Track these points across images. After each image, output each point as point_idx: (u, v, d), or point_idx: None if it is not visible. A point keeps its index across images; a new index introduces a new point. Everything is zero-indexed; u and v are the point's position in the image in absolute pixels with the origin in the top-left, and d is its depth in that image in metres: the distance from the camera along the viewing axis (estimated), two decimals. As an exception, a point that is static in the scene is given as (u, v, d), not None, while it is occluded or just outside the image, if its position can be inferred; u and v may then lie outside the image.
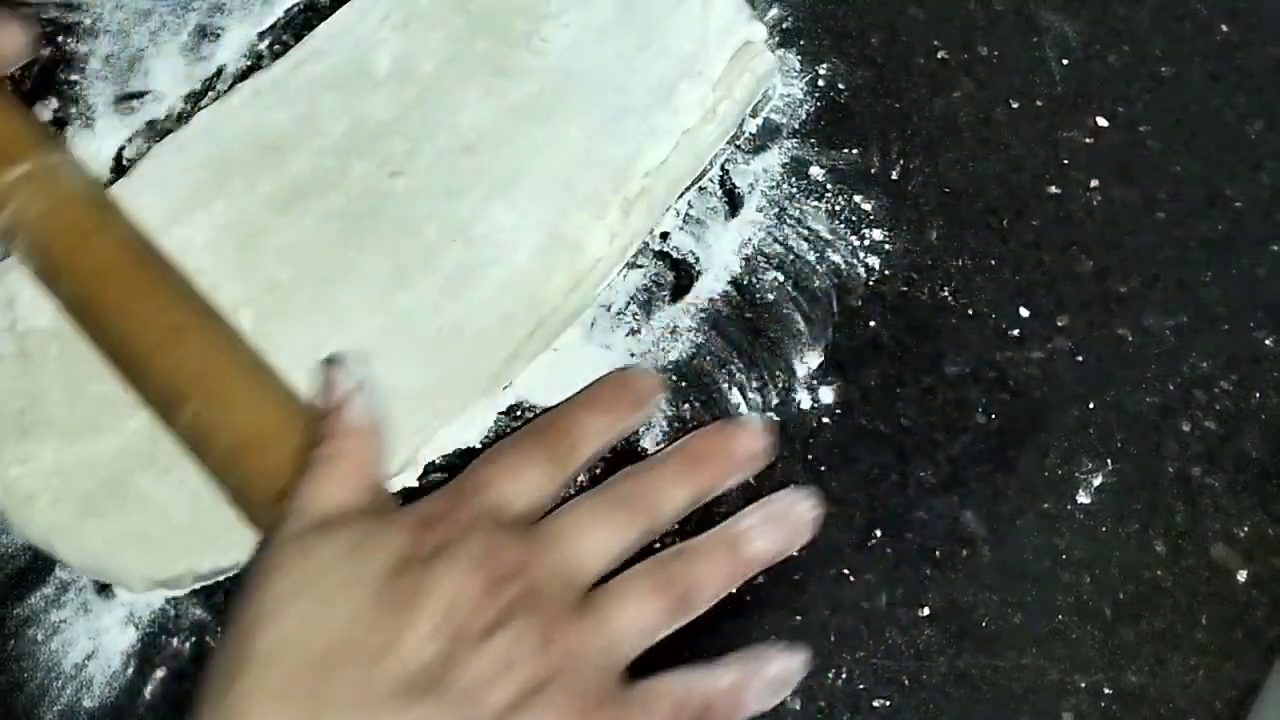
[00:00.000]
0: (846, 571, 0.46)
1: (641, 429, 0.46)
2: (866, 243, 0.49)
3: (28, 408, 0.44)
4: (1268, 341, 0.49)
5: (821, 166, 0.50)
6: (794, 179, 0.50)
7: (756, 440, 0.42)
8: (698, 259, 0.49)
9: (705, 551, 0.40)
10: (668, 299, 0.48)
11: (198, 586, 0.45)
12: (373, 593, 0.35)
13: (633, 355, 0.47)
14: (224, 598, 0.45)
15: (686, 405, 0.47)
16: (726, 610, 0.45)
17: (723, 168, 0.50)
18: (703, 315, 0.48)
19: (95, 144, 0.49)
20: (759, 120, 0.50)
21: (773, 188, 0.50)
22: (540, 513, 0.39)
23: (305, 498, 0.38)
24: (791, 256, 0.49)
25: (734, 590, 0.41)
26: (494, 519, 0.37)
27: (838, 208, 0.49)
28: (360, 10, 0.48)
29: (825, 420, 0.47)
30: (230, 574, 0.44)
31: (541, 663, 0.35)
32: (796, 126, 0.50)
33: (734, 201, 0.49)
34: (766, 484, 0.46)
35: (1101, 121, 0.51)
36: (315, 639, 0.34)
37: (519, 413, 0.46)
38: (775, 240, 0.49)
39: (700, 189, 0.49)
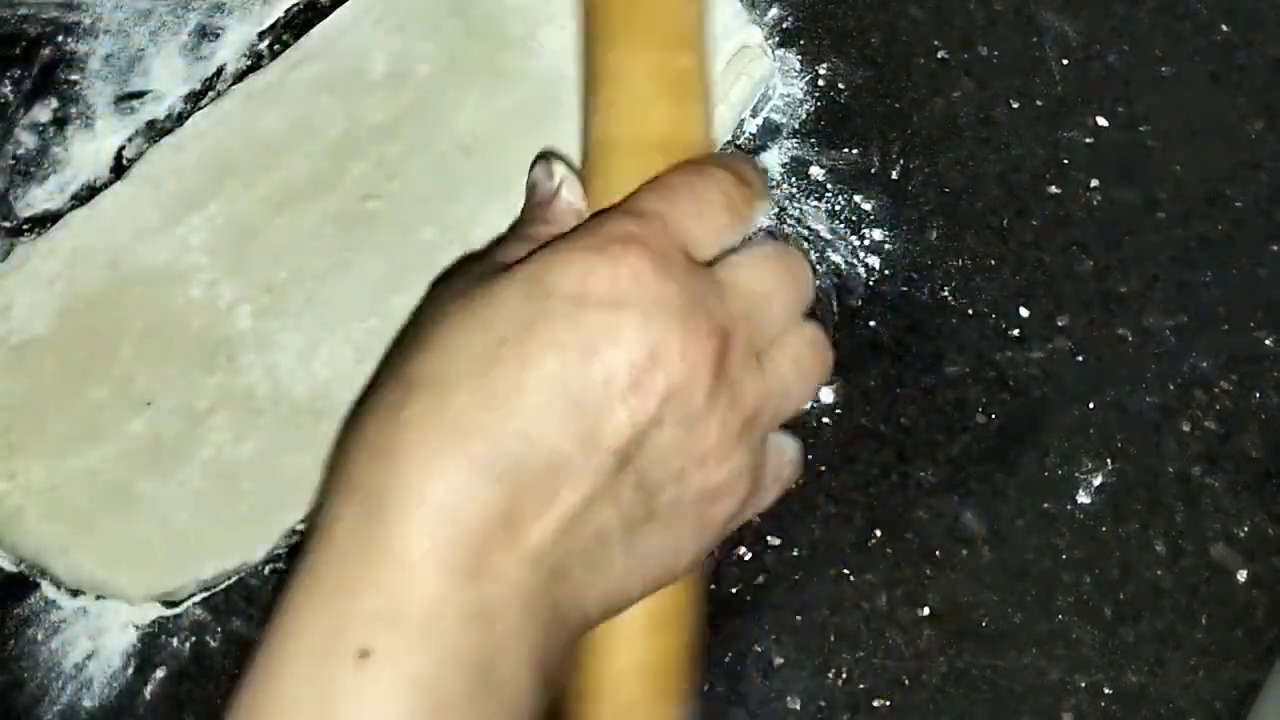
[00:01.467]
0: (847, 571, 0.46)
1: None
2: (866, 242, 0.49)
3: (15, 422, 0.44)
4: (1268, 341, 0.49)
5: (821, 166, 0.50)
6: (794, 179, 0.50)
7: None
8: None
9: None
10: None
11: (198, 597, 0.45)
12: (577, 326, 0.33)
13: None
14: (224, 598, 0.45)
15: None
16: (727, 610, 0.45)
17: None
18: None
19: (95, 144, 0.48)
20: (759, 120, 0.50)
21: (772, 187, 0.50)
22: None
23: (545, 262, 0.35)
24: (791, 256, 0.49)
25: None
26: (688, 263, 0.34)
27: (838, 207, 0.49)
28: (357, 13, 0.48)
29: (825, 420, 0.47)
30: (232, 579, 0.44)
31: (731, 439, 0.34)
32: (796, 126, 0.50)
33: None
34: (766, 484, 0.46)
35: (1101, 121, 0.51)
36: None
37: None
38: (775, 240, 0.49)
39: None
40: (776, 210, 0.49)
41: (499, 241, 0.38)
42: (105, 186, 0.46)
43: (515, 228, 0.39)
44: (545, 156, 0.39)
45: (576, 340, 0.32)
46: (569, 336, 0.32)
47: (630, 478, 0.33)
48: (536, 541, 0.31)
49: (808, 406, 0.38)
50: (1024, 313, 0.49)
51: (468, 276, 0.35)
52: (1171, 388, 0.48)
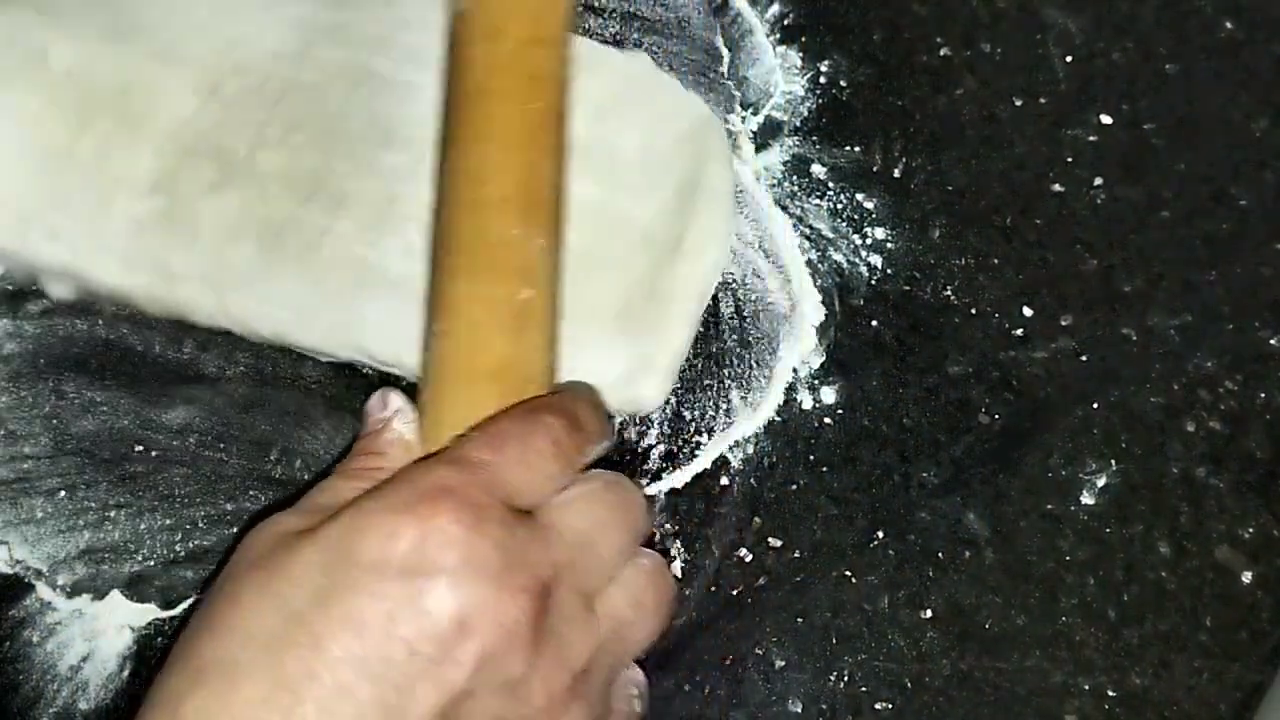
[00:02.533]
0: (848, 573, 0.46)
1: (640, 430, 0.46)
2: (869, 241, 0.49)
3: None
4: (1273, 341, 0.48)
5: (823, 164, 0.50)
6: (795, 177, 0.50)
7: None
8: (698, 258, 0.49)
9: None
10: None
11: (195, 599, 0.44)
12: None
13: (633, 355, 0.47)
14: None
15: (683, 402, 0.47)
16: (727, 612, 0.45)
17: (724, 166, 0.49)
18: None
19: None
20: (760, 118, 0.50)
21: (774, 185, 0.49)
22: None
23: (362, 506, 0.35)
24: (793, 255, 0.49)
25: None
26: (506, 513, 0.33)
27: (839, 206, 0.49)
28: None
29: (827, 420, 0.47)
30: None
31: (560, 702, 0.33)
32: (798, 124, 0.50)
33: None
34: (768, 484, 0.46)
35: (1105, 119, 0.51)
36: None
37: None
38: (777, 239, 0.49)
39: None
40: (781, 208, 0.49)
41: (324, 478, 0.37)
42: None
43: (343, 463, 0.38)
44: (383, 388, 0.39)
45: (377, 614, 0.30)
46: (369, 610, 0.30)
47: None
48: None
49: (652, 640, 0.36)
50: (1027, 312, 0.48)
51: (273, 534, 0.33)
52: (1176, 388, 0.48)
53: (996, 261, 0.49)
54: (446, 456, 0.34)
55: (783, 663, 0.45)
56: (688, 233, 0.45)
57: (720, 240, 0.46)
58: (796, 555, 0.46)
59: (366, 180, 0.45)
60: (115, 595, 0.45)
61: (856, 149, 0.50)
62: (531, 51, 0.41)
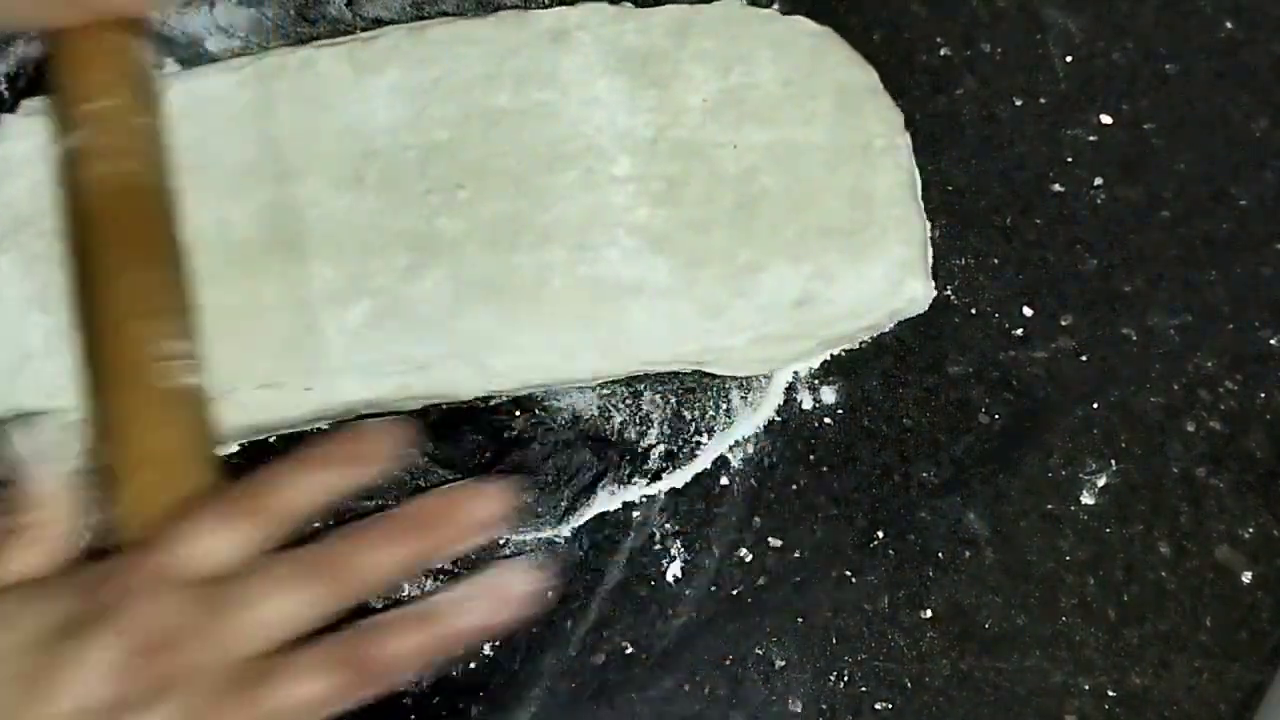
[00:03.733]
0: (848, 573, 0.46)
1: (640, 430, 0.46)
2: (869, 241, 0.49)
3: None
4: (1273, 341, 0.48)
5: (823, 164, 0.50)
6: (795, 177, 0.49)
7: (492, 505, 0.38)
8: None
9: (396, 625, 0.36)
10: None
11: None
12: (15, 668, 0.33)
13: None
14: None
15: (684, 402, 0.47)
16: (728, 612, 0.45)
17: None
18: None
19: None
20: (760, 118, 0.50)
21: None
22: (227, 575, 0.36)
23: None
24: (793, 255, 0.49)
25: (431, 667, 0.38)
26: (173, 580, 0.34)
27: (840, 206, 0.49)
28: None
29: (827, 420, 0.47)
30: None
31: None
32: (798, 124, 0.50)
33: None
34: (768, 484, 0.46)
35: (1105, 119, 0.51)
36: None
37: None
38: (777, 239, 0.49)
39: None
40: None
41: None
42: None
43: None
44: (10, 425, 0.38)
45: None
46: None
47: None
48: None
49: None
50: (1027, 312, 0.48)
51: None
52: (1176, 388, 0.48)
53: (996, 261, 0.49)
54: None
55: (783, 663, 0.44)
56: (867, 135, 0.47)
57: (898, 127, 0.47)
58: (796, 555, 0.46)
59: (554, 207, 0.45)
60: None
61: (856, 149, 0.50)
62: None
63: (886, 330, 0.47)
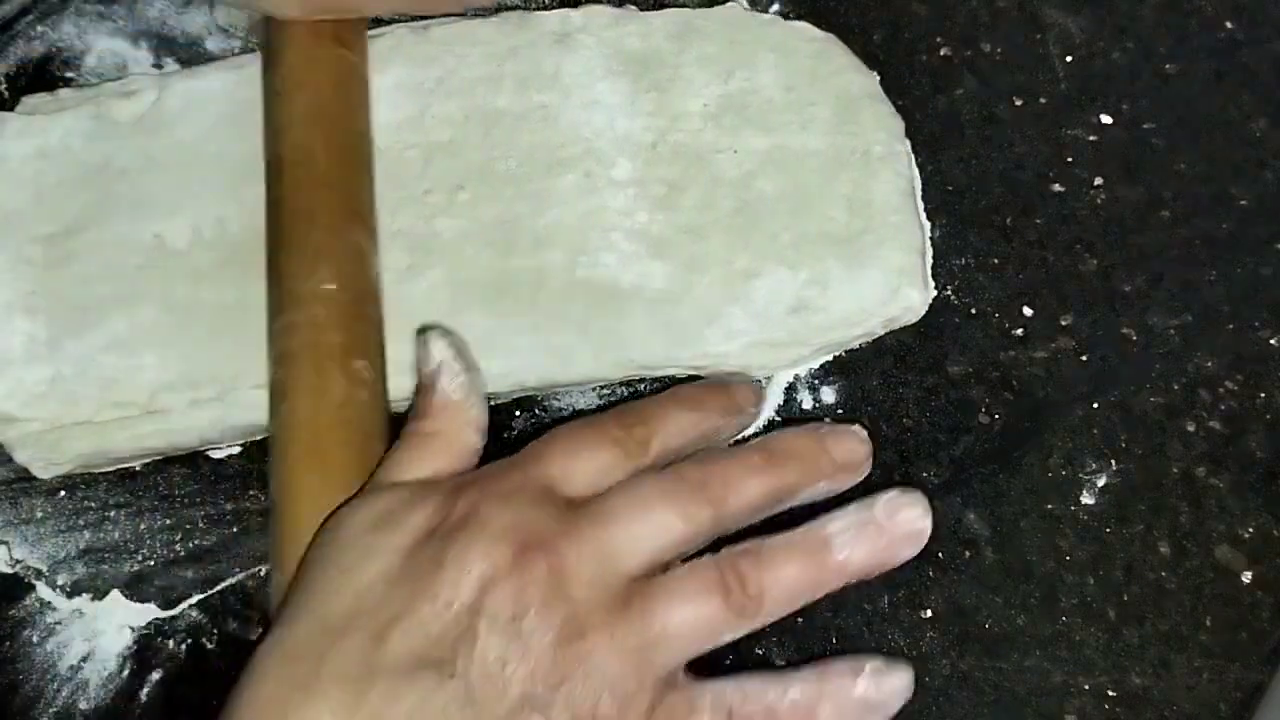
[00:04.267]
0: (848, 573, 0.45)
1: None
2: (869, 241, 0.49)
3: None
4: (1273, 341, 0.48)
5: (823, 164, 0.50)
6: (795, 177, 0.49)
7: (855, 448, 0.38)
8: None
9: (784, 551, 0.35)
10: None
11: (195, 599, 0.44)
12: (393, 562, 0.33)
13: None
14: (220, 600, 0.45)
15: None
16: (727, 612, 0.45)
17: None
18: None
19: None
20: (760, 117, 0.50)
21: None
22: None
23: (387, 471, 0.37)
24: (793, 255, 0.49)
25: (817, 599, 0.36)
26: (540, 494, 0.35)
27: (840, 206, 0.49)
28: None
29: (827, 420, 0.47)
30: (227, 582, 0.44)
31: (565, 656, 0.32)
32: (798, 124, 0.50)
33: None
34: (768, 484, 0.46)
35: (1105, 119, 0.51)
36: (328, 606, 0.33)
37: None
38: (777, 239, 0.49)
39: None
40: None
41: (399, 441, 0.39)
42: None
43: (405, 427, 0.39)
44: (424, 336, 0.40)
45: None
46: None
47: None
48: None
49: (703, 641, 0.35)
50: (1027, 312, 0.48)
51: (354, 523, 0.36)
52: (1176, 388, 0.48)
53: (996, 261, 0.49)
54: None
55: (783, 663, 0.44)
56: (867, 141, 0.47)
57: (898, 133, 0.48)
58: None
59: (551, 210, 0.45)
60: (115, 595, 0.45)
61: (856, 149, 0.50)
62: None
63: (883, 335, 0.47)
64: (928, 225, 0.48)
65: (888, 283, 0.45)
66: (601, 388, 0.47)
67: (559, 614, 0.33)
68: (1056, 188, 0.50)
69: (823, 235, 0.46)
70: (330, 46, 0.44)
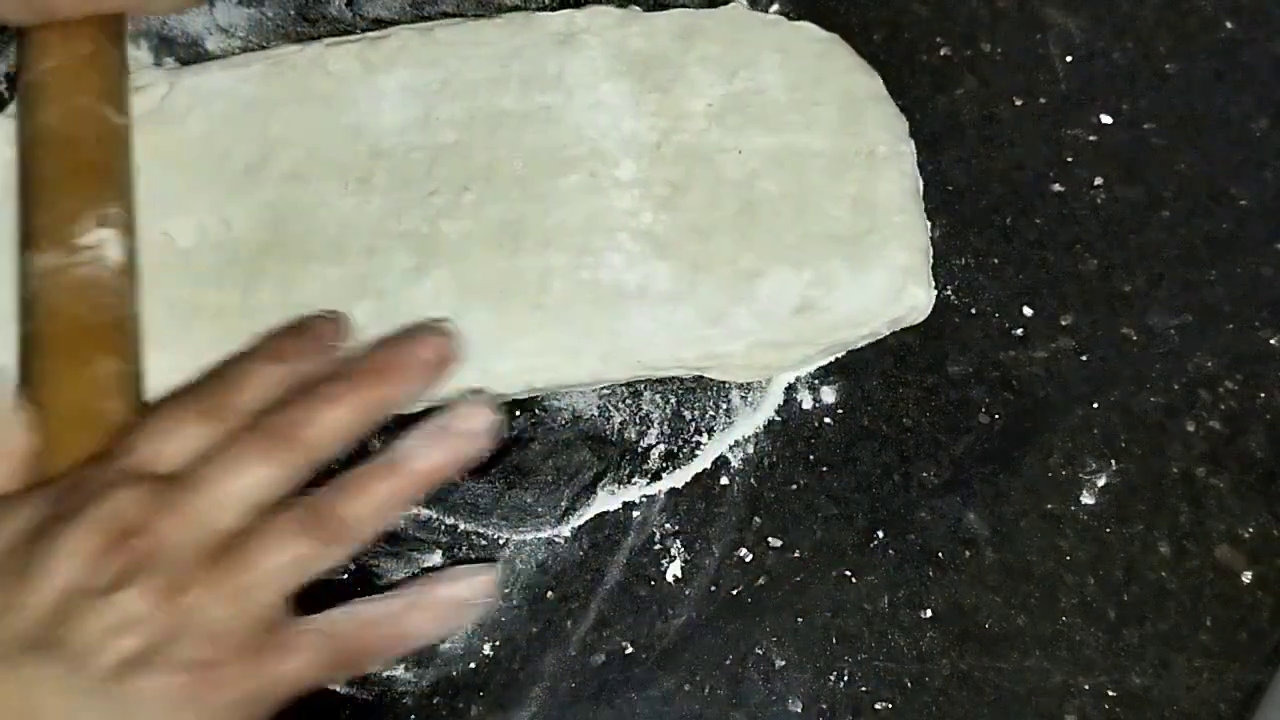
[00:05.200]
0: (848, 573, 0.45)
1: (640, 430, 0.46)
2: (869, 241, 0.49)
3: None
4: (1273, 341, 0.48)
5: (823, 164, 0.50)
6: (796, 177, 0.49)
7: (435, 347, 0.39)
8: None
9: (361, 477, 0.37)
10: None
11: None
12: None
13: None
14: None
15: (684, 401, 0.47)
16: (727, 612, 0.45)
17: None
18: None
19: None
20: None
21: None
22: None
23: None
24: (793, 255, 0.49)
25: (402, 514, 0.38)
26: (134, 479, 0.36)
27: (840, 206, 0.49)
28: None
29: (827, 420, 0.47)
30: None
31: (165, 617, 0.34)
32: (798, 124, 0.50)
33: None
34: (768, 484, 0.46)
35: (1105, 119, 0.51)
36: None
37: (518, 413, 0.46)
38: (777, 239, 0.49)
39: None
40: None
41: None
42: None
43: None
44: None
45: None
46: None
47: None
48: None
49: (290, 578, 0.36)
50: (1027, 312, 0.48)
51: None
52: (1176, 387, 0.48)
53: (996, 261, 0.49)
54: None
55: (783, 662, 0.44)
56: (871, 141, 0.47)
57: (902, 134, 0.47)
58: (796, 555, 0.46)
59: (556, 211, 0.45)
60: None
61: (856, 149, 0.50)
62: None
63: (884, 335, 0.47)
64: (928, 225, 0.48)
65: (893, 283, 0.45)
66: (602, 387, 0.47)
67: (155, 581, 0.34)
68: (1056, 188, 0.50)
69: (827, 235, 0.45)
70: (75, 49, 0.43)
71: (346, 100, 0.46)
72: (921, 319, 0.46)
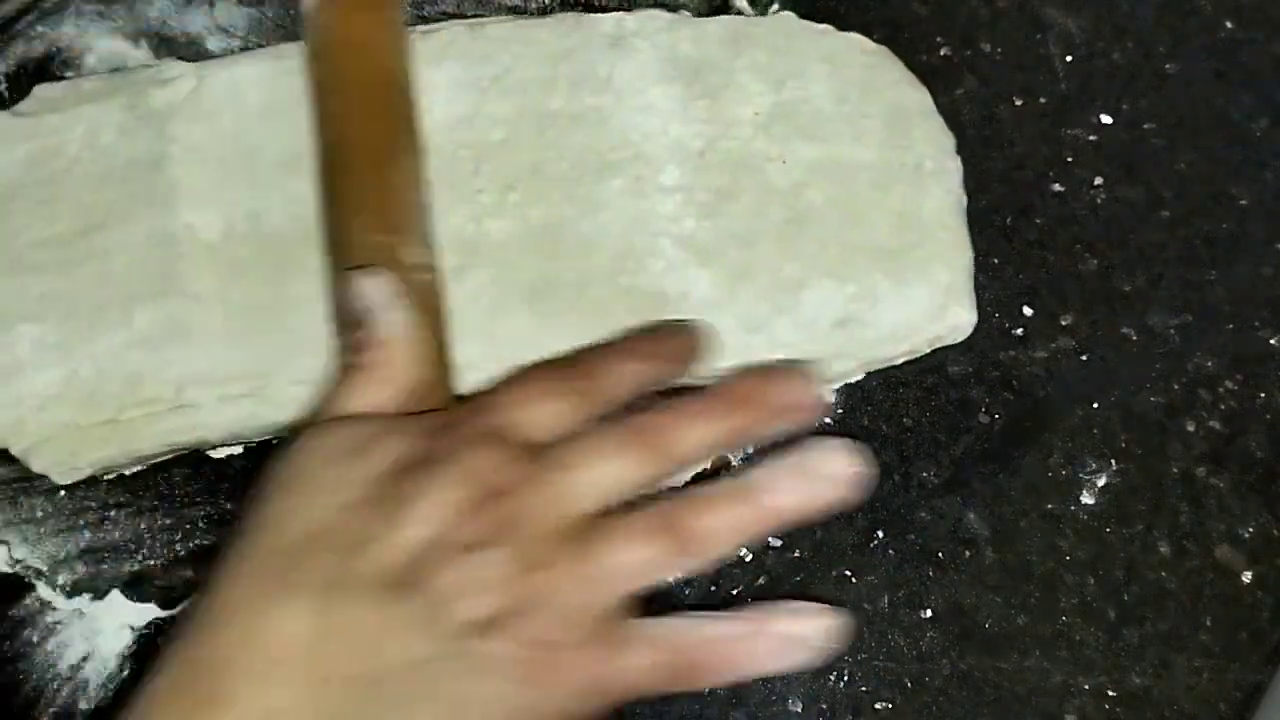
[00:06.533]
0: (848, 573, 0.46)
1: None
2: (869, 241, 0.49)
3: None
4: (1273, 341, 0.48)
5: (823, 164, 0.50)
6: (795, 177, 0.49)
7: (803, 390, 0.39)
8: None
9: (718, 497, 0.37)
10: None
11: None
12: (362, 491, 0.35)
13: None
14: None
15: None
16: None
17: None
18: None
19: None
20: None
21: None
22: (554, 442, 0.38)
23: (330, 402, 0.38)
24: (793, 255, 0.49)
25: (755, 544, 0.39)
26: (502, 439, 0.37)
27: (840, 206, 0.49)
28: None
29: (827, 420, 0.47)
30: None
31: (518, 587, 0.34)
32: (798, 124, 0.50)
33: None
34: (768, 484, 0.46)
35: (1105, 119, 0.51)
36: (298, 524, 0.35)
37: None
38: (777, 238, 0.49)
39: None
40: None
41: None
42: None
43: (342, 355, 0.40)
44: (359, 275, 0.40)
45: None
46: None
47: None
48: None
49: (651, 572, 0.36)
50: (1027, 312, 0.48)
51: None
52: (1176, 387, 0.48)
53: (996, 261, 0.49)
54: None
55: (783, 662, 0.44)
56: (918, 155, 0.46)
57: (949, 150, 0.47)
58: (796, 555, 0.46)
59: (599, 214, 0.45)
60: (115, 595, 0.45)
61: (856, 149, 0.50)
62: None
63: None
64: (970, 244, 0.47)
65: (934, 300, 0.45)
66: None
67: (514, 549, 0.35)
68: (1056, 187, 0.50)
69: (871, 249, 0.45)
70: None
71: None
72: (962, 339, 0.46)
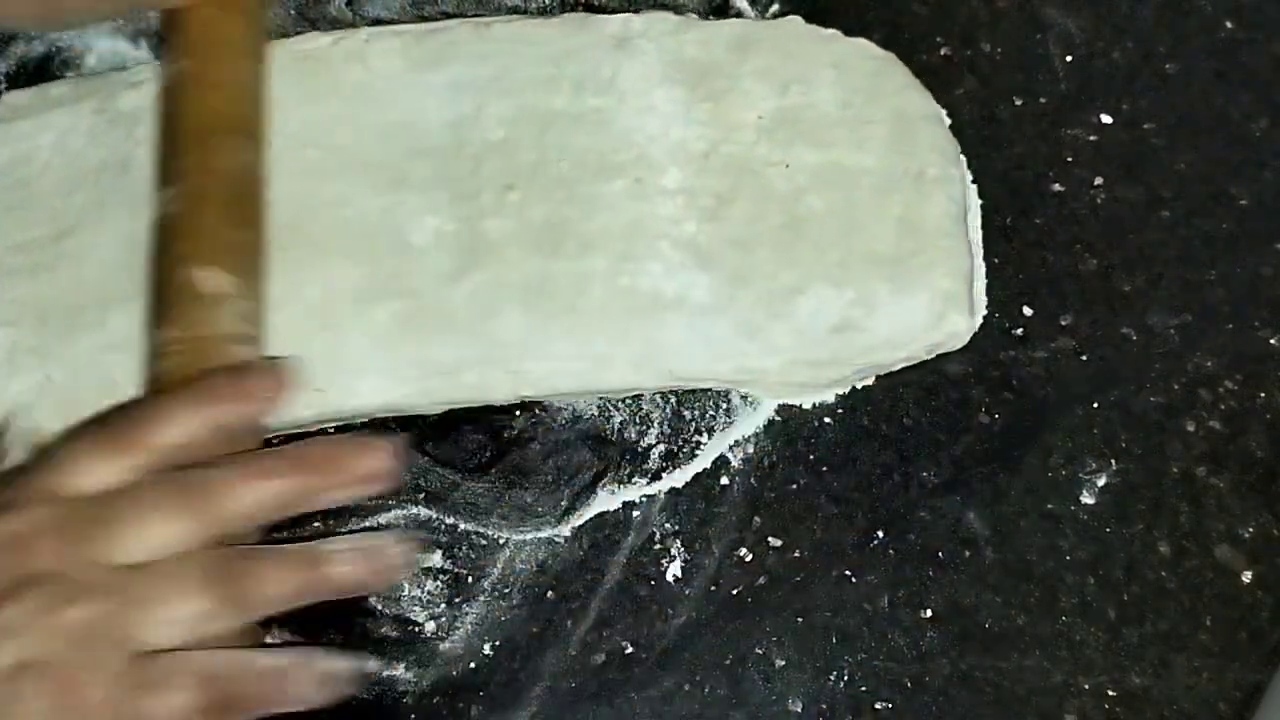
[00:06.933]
0: (848, 573, 0.45)
1: (640, 430, 0.46)
2: (869, 241, 0.49)
3: None
4: (1273, 340, 0.48)
5: (823, 164, 0.50)
6: (795, 177, 0.49)
7: (378, 461, 0.38)
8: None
9: (279, 556, 0.37)
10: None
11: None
12: None
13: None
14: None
15: (684, 401, 0.47)
16: (728, 612, 0.45)
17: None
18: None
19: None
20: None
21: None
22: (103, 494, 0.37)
23: None
24: (793, 255, 0.49)
25: (302, 604, 0.37)
26: (54, 495, 0.36)
27: (840, 206, 0.49)
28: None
29: (827, 420, 0.47)
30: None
31: (44, 634, 0.34)
32: (798, 124, 0.50)
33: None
34: (768, 484, 0.46)
35: (1105, 119, 0.51)
36: None
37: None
38: (777, 238, 0.49)
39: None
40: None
41: None
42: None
43: None
44: None
45: None
46: None
47: None
48: None
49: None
50: (1027, 312, 0.48)
51: None
52: (1175, 387, 0.48)
53: (996, 261, 0.49)
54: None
55: (783, 662, 0.44)
56: (921, 163, 0.46)
57: (954, 158, 0.47)
58: (796, 555, 0.46)
59: (599, 215, 0.45)
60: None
61: (856, 149, 0.50)
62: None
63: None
64: (981, 250, 0.47)
65: (933, 307, 0.45)
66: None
67: (46, 604, 0.35)
68: (1056, 187, 0.50)
69: (871, 255, 0.45)
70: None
71: (390, 94, 0.46)
72: (960, 346, 0.46)
